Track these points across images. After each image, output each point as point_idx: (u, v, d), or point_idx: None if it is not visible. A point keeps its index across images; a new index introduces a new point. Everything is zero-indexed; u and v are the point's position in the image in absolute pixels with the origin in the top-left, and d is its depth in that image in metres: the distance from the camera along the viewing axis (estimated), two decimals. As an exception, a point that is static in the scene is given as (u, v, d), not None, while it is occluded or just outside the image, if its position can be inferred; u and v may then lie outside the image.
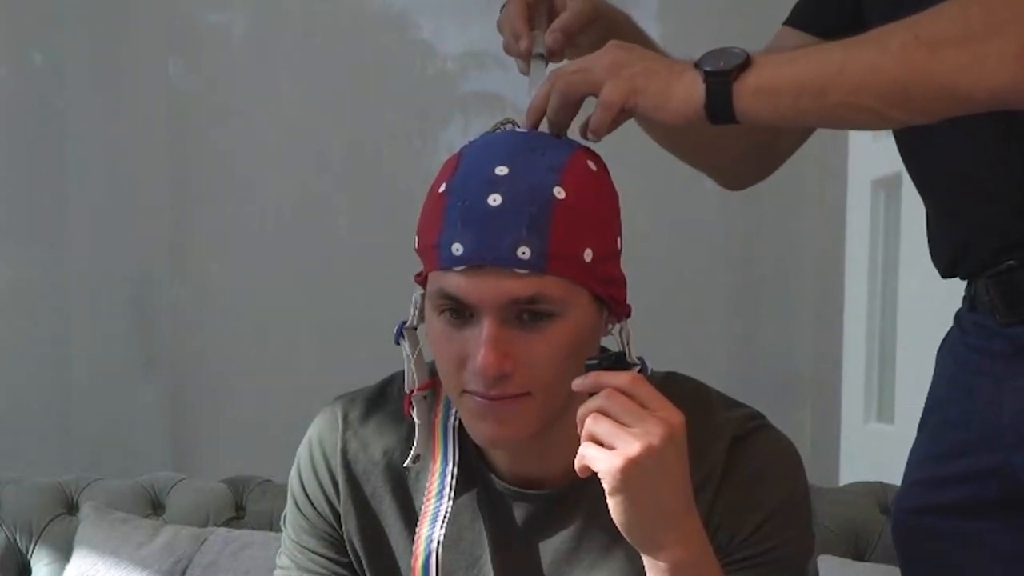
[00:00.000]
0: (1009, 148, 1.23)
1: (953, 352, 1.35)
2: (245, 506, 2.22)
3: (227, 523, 2.18)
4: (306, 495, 1.28)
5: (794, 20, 1.46)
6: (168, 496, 2.25)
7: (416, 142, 3.22)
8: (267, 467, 2.28)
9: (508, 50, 1.30)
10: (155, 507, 2.24)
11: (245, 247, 3.07)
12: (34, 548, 2.18)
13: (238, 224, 3.09)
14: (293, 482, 1.30)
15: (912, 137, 1.35)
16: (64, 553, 2.14)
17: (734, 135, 1.27)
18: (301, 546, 1.28)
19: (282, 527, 1.32)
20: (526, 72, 1.27)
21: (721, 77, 1.09)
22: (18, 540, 2.19)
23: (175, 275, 3.12)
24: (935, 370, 1.39)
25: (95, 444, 2.97)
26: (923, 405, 1.40)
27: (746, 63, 1.09)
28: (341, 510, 1.26)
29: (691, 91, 1.10)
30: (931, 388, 1.39)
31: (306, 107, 3.13)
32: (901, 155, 1.39)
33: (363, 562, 1.27)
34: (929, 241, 1.40)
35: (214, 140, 3.11)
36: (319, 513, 1.27)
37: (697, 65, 1.11)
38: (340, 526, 1.26)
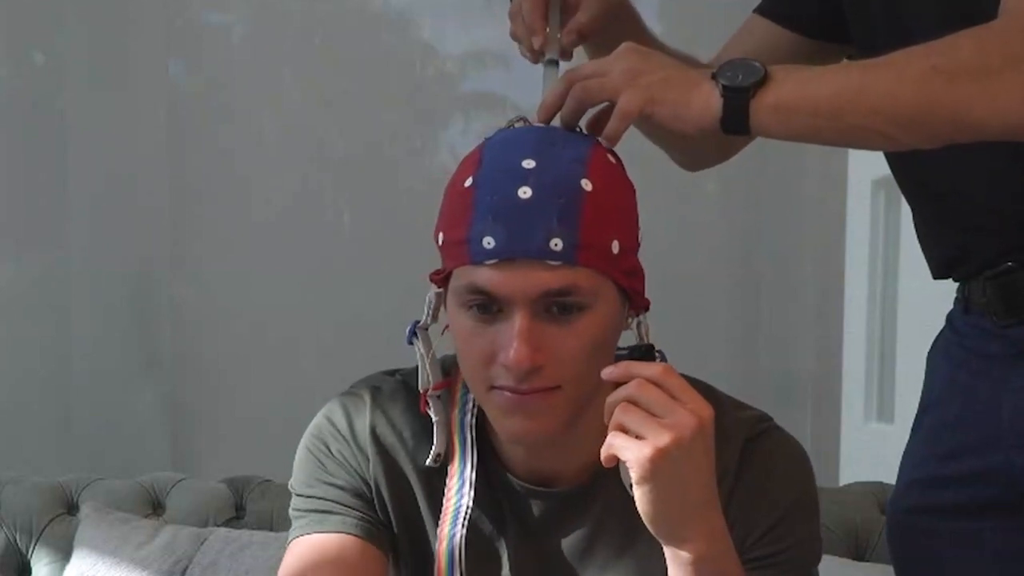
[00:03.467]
0: (1014, 161, 1.23)
1: (947, 353, 1.35)
2: (245, 506, 2.22)
3: (227, 523, 2.18)
4: (334, 459, 1.23)
5: (767, 10, 1.46)
6: (168, 496, 2.25)
7: (416, 142, 3.22)
8: (267, 467, 2.28)
9: (519, 38, 1.30)
10: (155, 507, 2.24)
11: (245, 246, 3.07)
12: (34, 548, 2.18)
13: (238, 224, 3.09)
14: (316, 446, 1.25)
15: (902, 154, 1.35)
16: (64, 553, 2.14)
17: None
18: (323, 498, 1.23)
19: (292, 512, 1.26)
20: (529, 59, 1.27)
21: (739, 93, 1.10)
22: (18, 540, 2.19)
23: (175, 275, 3.12)
24: (927, 371, 1.39)
25: (95, 444, 2.96)
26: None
27: (764, 79, 1.10)
28: (371, 479, 1.23)
29: (708, 103, 1.11)
30: (924, 389, 1.39)
31: (306, 107, 3.13)
32: (888, 162, 1.39)
33: (395, 531, 1.23)
34: (921, 243, 1.40)
35: (214, 140, 3.10)
36: (347, 475, 1.23)
37: (714, 76, 1.11)
38: (372, 491, 1.23)
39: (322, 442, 1.24)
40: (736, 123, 1.11)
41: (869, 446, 2.59)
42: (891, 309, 2.57)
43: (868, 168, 2.56)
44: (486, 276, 1.08)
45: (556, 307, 1.09)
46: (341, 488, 1.23)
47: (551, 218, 1.07)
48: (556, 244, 1.06)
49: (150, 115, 3.08)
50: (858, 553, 2.03)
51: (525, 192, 1.07)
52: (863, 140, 1.16)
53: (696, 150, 1.48)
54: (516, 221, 1.07)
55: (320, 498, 1.23)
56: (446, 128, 3.21)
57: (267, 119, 3.10)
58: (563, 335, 1.09)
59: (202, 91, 3.18)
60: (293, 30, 3.13)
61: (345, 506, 1.22)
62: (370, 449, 1.23)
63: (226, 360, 3.06)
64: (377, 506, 1.23)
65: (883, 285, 2.61)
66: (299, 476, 1.26)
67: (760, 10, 1.47)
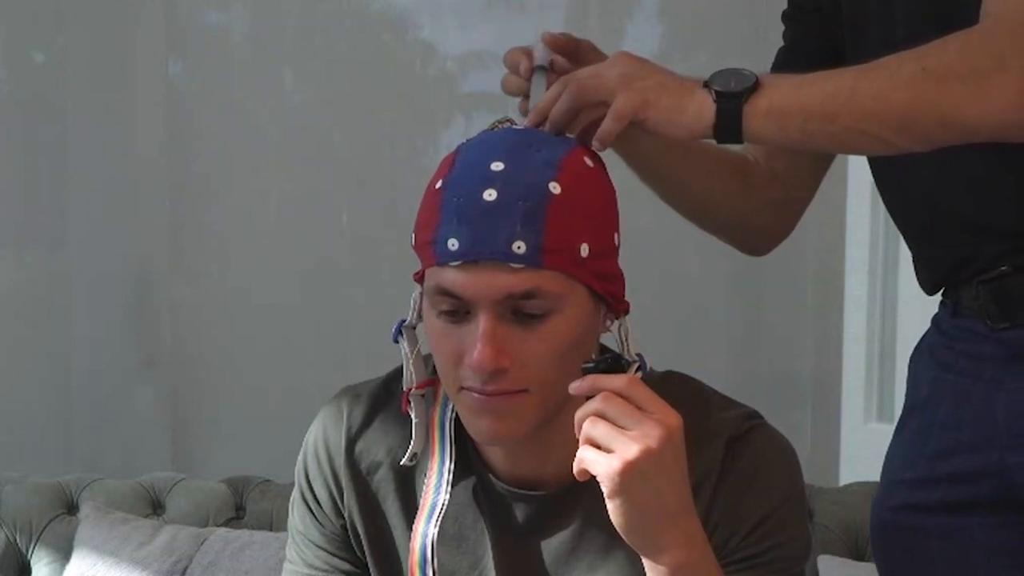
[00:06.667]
0: (998, 167, 1.23)
1: (934, 356, 1.36)
2: (245, 506, 2.22)
3: (227, 523, 2.18)
4: (312, 491, 1.27)
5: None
6: (168, 496, 2.25)
7: (416, 142, 3.22)
8: (267, 467, 2.28)
9: (511, 88, 1.29)
10: (155, 507, 2.25)
11: (245, 246, 3.07)
12: (34, 548, 2.18)
13: (238, 223, 3.08)
14: (300, 475, 1.29)
15: (888, 171, 1.36)
16: (64, 553, 2.14)
17: (747, 193, 1.37)
18: (308, 539, 1.28)
19: (289, 513, 1.31)
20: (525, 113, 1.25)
21: (732, 98, 1.11)
22: (18, 540, 2.19)
23: (175, 275, 3.12)
24: (911, 374, 1.40)
25: (95, 444, 2.96)
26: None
27: (756, 85, 1.12)
28: (346, 509, 1.26)
29: (702, 109, 1.12)
30: (909, 391, 1.40)
31: (306, 107, 3.13)
32: (879, 189, 1.40)
33: (369, 560, 1.26)
34: (915, 265, 1.41)
35: (214, 140, 3.10)
36: (324, 511, 1.27)
37: (707, 84, 1.13)
38: (346, 523, 1.26)
39: (307, 478, 1.28)
40: (729, 129, 1.12)
41: (869, 446, 2.58)
42: (891, 309, 2.56)
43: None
44: (451, 277, 1.09)
45: (520, 310, 1.09)
46: (325, 550, 1.27)
47: (515, 221, 1.07)
48: (519, 247, 1.07)
49: (150, 115, 3.08)
50: (858, 553, 2.03)
51: (490, 195, 1.08)
52: (856, 144, 1.18)
53: (754, 225, 1.48)
54: (480, 223, 1.08)
55: (309, 541, 1.28)
56: (446, 128, 3.21)
57: (267, 119, 3.10)
58: (528, 338, 1.10)
59: (202, 91, 3.18)
60: (293, 30, 3.13)
61: (323, 563, 1.27)
62: (343, 473, 1.25)
63: (226, 360, 3.06)
64: (351, 535, 1.26)
65: (883, 285, 2.61)
66: (295, 493, 1.30)
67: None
